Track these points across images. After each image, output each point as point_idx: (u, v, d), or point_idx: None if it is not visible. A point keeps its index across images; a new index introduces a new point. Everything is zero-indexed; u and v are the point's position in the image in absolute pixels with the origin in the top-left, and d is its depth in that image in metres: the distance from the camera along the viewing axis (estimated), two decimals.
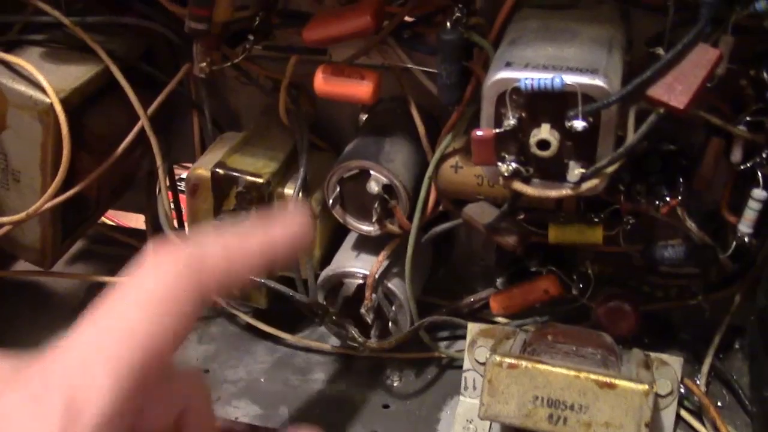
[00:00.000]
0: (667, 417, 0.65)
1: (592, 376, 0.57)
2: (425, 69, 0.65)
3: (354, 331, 0.67)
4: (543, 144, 0.52)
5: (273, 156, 0.69)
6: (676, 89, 0.49)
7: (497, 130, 0.52)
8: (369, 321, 0.67)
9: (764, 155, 0.58)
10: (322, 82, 0.63)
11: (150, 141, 0.71)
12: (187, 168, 0.78)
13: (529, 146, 0.52)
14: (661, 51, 0.55)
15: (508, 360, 0.58)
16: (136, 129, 0.70)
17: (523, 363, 0.58)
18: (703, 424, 0.66)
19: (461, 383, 0.69)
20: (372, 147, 0.66)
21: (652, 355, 0.65)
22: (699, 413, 0.67)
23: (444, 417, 0.70)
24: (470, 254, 0.79)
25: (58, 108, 0.63)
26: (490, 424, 0.67)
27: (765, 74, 0.56)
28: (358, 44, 0.65)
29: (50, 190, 0.65)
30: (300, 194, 0.68)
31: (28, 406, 0.31)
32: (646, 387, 0.56)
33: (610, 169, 0.52)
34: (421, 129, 0.66)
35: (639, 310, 0.66)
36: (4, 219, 0.69)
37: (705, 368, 0.69)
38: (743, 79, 0.57)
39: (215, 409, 0.69)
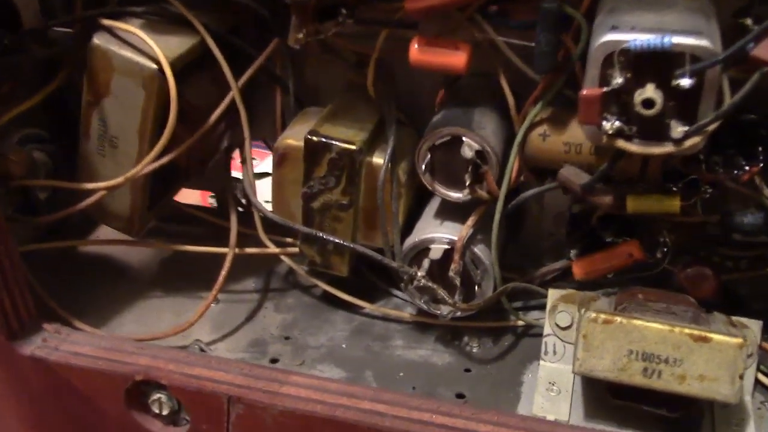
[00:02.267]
0: (748, 379, 0.68)
1: (687, 330, 0.59)
2: (511, 41, 0.67)
3: (443, 293, 0.69)
4: (648, 103, 0.54)
5: (362, 126, 0.72)
6: None
7: (605, 89, 0.55)
8: (457, 284, 0.69)
9: None
10: (417, 52, 0.66)
11: (238, 113, 0.73)
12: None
13: (633, 106, 0.55)
14: (749, 21, 0.58)
15: (603, 316, 0.61)
16: (227, 99, 0.72)
17: (618, 318, 0.60)
18: None
19: (541, 348, 0.71)
20: (462, 116, 0.68)
21: (733, 318, 0.67)
22: None
23: (526, 380, 0.72)
24: (540, 231, 0.82)
25: (168, 71, 0.65)
26: (573, 386, 0.69)
27: None
28: (446, 21, 0.68)
29: (152, 154, 0.68)
30: (389, 163, 0.70)
31: None
32: (741, 340, 0.59)
33: (712, 127, 0.54)
34: (510, 99, 0.68)
35: (719, 274, 0.68)
36: (101, 184, 0.71)
37: None
38: None
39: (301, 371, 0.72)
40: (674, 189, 0.69)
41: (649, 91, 0.54)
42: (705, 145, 0.68)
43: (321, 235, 0.72)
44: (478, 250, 0.70)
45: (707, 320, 0.63)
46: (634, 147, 0.56)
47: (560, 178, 0.64)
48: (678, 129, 0.55)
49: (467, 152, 0.66)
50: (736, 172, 0.67)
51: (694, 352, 0.59)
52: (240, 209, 0.86)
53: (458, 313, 0.73)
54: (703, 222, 0.72)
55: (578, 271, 0.70)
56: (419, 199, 0.77)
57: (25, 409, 0.72)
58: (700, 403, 0.63)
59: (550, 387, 0.69)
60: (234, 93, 0.72)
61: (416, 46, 0.66)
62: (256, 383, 0.66)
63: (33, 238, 0.79)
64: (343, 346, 0.76)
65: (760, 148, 0.66)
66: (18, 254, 0.73)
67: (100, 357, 0.69)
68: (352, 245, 0.72)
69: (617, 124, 0.56)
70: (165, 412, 0.67)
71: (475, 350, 0.75)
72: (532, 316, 0.77)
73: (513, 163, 0.67)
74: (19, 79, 0.72)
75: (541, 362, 0.71)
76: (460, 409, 0.61)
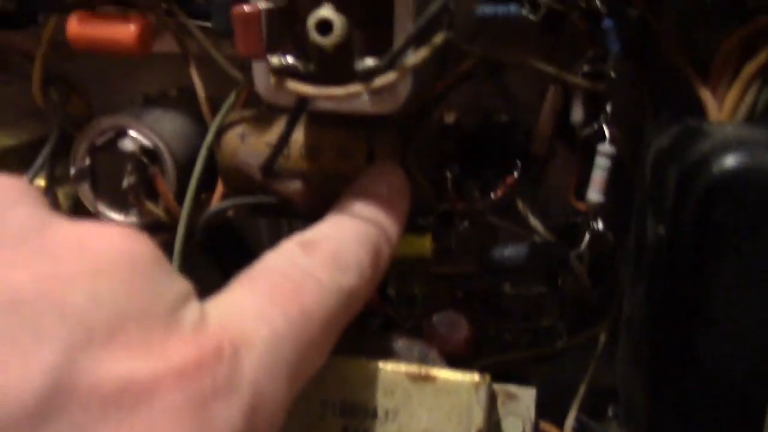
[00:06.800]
0: None
1: (404, 368, 0.40)
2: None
3: None
4: (323, 26, 0.39)
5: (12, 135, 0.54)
6: None
7: (268, 5, 0.40)
8: None
9: (607, 108, 0.48)
10: (76, 27, 0.51)
11: None
12: None
13: (308, 33, 0.40)
14: None
15: None
16: None
17: None
18: None
19: None
20: (137, 111, 0.52)
21: (496, 386, 0.48)
22: None
23: None
24: None
25: None
26: None
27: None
28: None
29: None
30: (35, 178, 0.52)
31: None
32: (476, 377, 0.40)
33: (413, 62, 0.40)
34: (200, 91, 0.52)
35: (475, 321, 0.50)
36: None
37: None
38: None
39: None
40: (422, 223, 0.54)
41: (326, 10, 0.39)
42: (458, 170, 0.54)
43: None
44: None
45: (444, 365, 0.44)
46: (309, 89, 0.40)
47: (232, 164, 0.47)
48: (367, 62, 0.40)
49: (128, 145, 0.48)
50: (492, 194, 0.52)
51: (413, 399, 0.40)
52: None
53: None
54: (468, 277, 0.56)
55: None
56: None
57: None
58: None
59: None
60: None
61: (76, 20, 0.51)
62: None
63: None
64: None
65: (517, 160, 0.52)
66: None
67: None
68: None
69: (288, 59, 0.41)
70: None
71: None
72: None
73: (200, 168, 0.50)
74: None
75: None
76: None
